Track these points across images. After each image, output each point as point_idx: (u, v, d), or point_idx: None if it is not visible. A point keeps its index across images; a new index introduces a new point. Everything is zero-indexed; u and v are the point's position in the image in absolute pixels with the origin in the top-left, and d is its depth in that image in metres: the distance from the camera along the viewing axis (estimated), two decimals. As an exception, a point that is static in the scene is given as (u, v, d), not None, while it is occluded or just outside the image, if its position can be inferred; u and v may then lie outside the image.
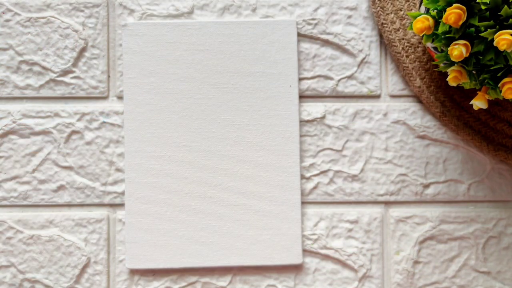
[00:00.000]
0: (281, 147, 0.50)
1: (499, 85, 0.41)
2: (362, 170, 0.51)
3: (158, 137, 0.50)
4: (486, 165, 0.51)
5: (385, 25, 0.51)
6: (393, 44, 0.51)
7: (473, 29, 0.39)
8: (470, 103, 0.44)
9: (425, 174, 0.51)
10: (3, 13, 0.51)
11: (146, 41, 0.50)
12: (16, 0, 0.51)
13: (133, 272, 0.50)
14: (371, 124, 0.51)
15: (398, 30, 0.51)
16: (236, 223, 0.50)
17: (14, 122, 0.51)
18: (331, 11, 0.52)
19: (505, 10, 0.37)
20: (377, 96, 0.52)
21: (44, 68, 0.51)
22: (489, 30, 0.38)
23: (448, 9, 0.39)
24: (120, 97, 0.51)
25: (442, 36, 0.41)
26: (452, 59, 0.40)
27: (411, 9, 0.51)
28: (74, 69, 0.51)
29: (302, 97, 0.51)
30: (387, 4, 0.51)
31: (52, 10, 0.51)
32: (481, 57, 0.40)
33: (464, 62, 0.41)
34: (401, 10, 0.51)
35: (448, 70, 0.43)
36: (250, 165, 0.50)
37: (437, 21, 0.41)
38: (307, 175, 0.51)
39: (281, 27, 0.51)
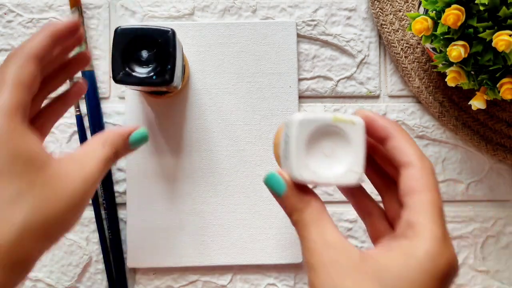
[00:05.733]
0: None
1: (497, 85, 0.41)
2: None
3: (158, 137, 0.50)
4: (484, 164, 0.52)
5: (384, 26, 0.51)
6: (392, 44, 0.51)
7: (471, 30, 0.40)
8: (469, 103, 0.45)
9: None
10: (5, 14, 0.51)
11: (147, 42, 0.50)
12: (18, 1, 0.51)
13: (134, 271, 0.51)
14: (371, 124, 0.52)
15: (397, 31, 0.51)
16: (237, 222, 0.50)
17: (16, 122, 0.51)
18: (331, 12, 0.52)
19: (503, 11, 0.37)
20: (376, 97, 0.52)
21: (46, 68, 0.51)
22: (487, 31, 0.38)
23: (446, 10, 0.39)
24: (121, 98, 0.51)
25: (441, 37, 0.41)
26: (451, 59, 0.40)
27: (410, 10, 0.51)
28: (75, 69, 0.51)
29: (302, 97, 0.52)
30: (386, 5, 0.51)
31: (54, 11, 0.51)
32: (479, 58, 0.40)
33: (463, 63, 0.42)
34: (400, 11, 0.51)
35: (447, 70, 0.43)
36: (250, 165, 0.50)
37: (436, 22, 0.41)
38: (307, 175, 0.51)
39: (281, 28, 0.51)
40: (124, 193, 0.51)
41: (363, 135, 0.33)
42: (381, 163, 0.35)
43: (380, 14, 0.51)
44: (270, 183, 0.35)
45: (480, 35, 0.39)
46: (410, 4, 0.51)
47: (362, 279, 0.29)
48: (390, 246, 0.30)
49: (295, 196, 0.34)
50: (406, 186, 0.31)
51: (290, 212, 0.34)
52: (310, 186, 0.34)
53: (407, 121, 0.52)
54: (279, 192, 0.34)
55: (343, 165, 0.33)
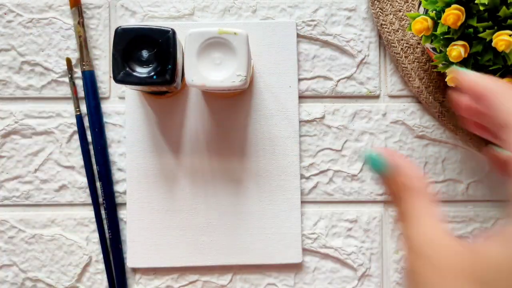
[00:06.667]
0: (281, 147, 0.50)
1: (497, 85, 0.41)
2: (361, 170, 0.52)
3: (158, 137, 0.50)
4: (484, 164, 0.52)
5: (384, 26, 0.51)
6: (392, 44, 0.51)
7: (471, 29, 0.40)
8: (469, 103, 0.45)
9: (424, 174, 0.51)
10: (5, 14, 0.51)
11: (147, 42, 0.50)
12: (18, 1, 0.51)
13: (134, 271, 0.51)
14: (370, 124, 0.52)
15: (397, 31, 0.51)
16: (236, 222, 0.50)
17: (16, 122, 0.51)
18: (330, 12, 0.52)
19: (503, 11, 0.38)
20: (376, 97, 0.52)
21: (46, 68, 0.51)
22: (487, 31, 0.38)
23: (446, 10, 0.39)
24: (121, 98, 0.51)
25: (441, 37, 0.41)
26: (451, 59, 0.40)
27: (410, 10, 0.51)
28: (76, 69, 0.51)
29: (302, 97, 0.52)
30: (386, 5, 0.51)
31: (54, 11, 0.52)
32: (479, 58, 0.41)
33: (463, 63, 0.42)
34: (400, 11, 0.51)
35: (447, 70, 0.43)
36: (250, 165, 0.50)
37: (436, 22, 0.42)
38: (307, 174, 0.51)
39: (281, 29, 0.51)
40: (124, 193, 0.51)
41: (246, 44, 0.39)
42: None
43: (380, 14, 0.51)
44: (371, 164, 0.30)
45: (480, 35, 0.39)
46: (410, 4, 0.51)
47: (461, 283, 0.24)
48: (494, 231, 0.24)
49: (397, 183, 0.29)
50: None
51: (393, 199, 0.29)
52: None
53: (407, 121, 0.52)
54: (381, 172, 0.30)
55: (229, 71, 0.39)
